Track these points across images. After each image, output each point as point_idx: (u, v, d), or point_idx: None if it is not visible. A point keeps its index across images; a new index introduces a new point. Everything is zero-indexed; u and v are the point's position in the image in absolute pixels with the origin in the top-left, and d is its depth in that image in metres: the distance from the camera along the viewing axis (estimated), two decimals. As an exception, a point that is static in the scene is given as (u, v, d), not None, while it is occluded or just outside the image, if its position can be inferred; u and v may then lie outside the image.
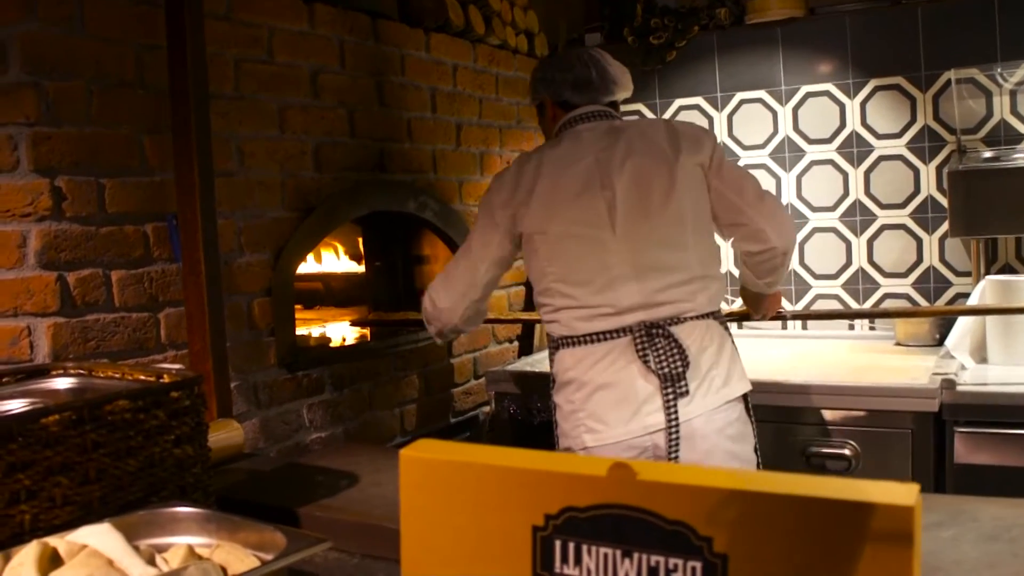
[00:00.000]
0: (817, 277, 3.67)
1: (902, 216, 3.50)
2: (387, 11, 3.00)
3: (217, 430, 1.96)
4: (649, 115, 3.89)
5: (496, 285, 2.42)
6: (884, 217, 3.53)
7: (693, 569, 0.81)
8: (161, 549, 1.19)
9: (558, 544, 0.87)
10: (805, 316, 3.55)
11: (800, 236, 3.67)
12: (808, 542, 0.77)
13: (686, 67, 3.81)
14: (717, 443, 2.13)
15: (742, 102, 3.74)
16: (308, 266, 3.19)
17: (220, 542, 1.21)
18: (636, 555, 0.83)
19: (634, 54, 3.82)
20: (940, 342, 3.15)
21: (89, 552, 1.09)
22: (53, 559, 1.08)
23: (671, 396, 2.09)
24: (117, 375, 1.58)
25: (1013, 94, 3.25)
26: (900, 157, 3.48)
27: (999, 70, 3.23)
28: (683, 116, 3.84)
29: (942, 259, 3.45)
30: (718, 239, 2.32)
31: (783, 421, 2.76)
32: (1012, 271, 3.29)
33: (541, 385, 2.97)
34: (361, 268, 3.42)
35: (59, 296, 2.01)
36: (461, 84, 3.40)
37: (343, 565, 1.38)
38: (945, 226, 3.37)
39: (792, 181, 3.67)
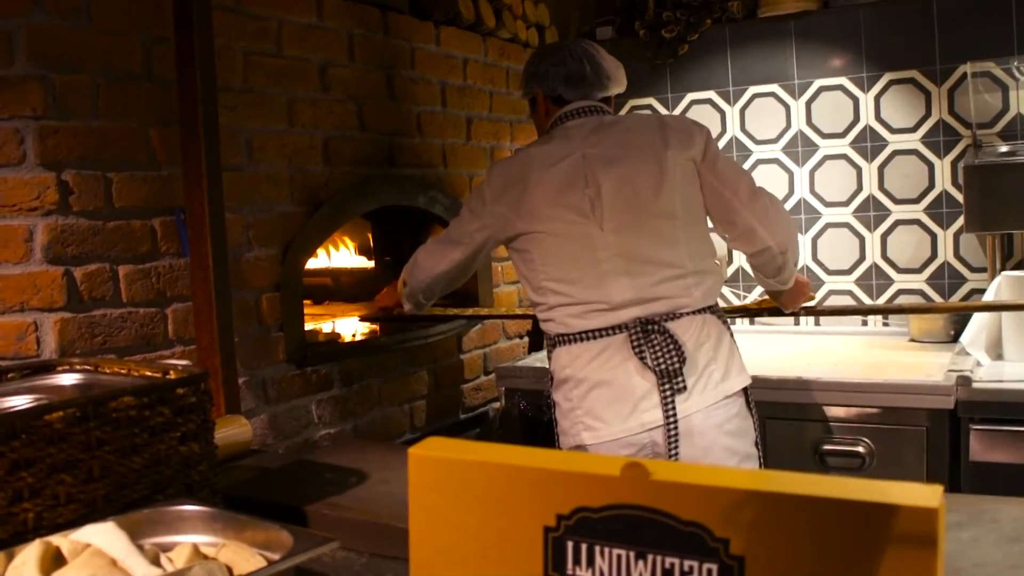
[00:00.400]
0: (830, 273, 3.64)
1: (916, 211, 3.46)
2: (397, 4, 2.98)
3: (225, 426, 1.94)
4: (661, 109, 3.86)
5: (464, 275, 2.44)
6: (898, 212, 3.49)
7: (709, 571, 0.79)
8: (166, 548, 1.17)
9: (570, 545, 0.85)
10: (818, 312, 3.51)
11: (813, 231, 3.64)
12: (828, 545, 0.75)
13: (698, 61, 3.78)
14: (716, 439, 2.12)
15: (755, 96, 3.71)
16: (317, 261, 3.18)
17: (226, 541, 1.19)
18: (650, 557, 0.81)
19: (646, 47, 3.80)
20: (955, 338, 3.12)
21: (92, 551, 1.07)
22: (56, 558, 1.06)
23: (668, 392, 2.08)
24: (123, 371, 1.56)
25: (1030, 87, 3.22)
26: (915, 152, 3.44)
27: (1016, 63, 3.19)
28: (695, 110, 3.81)
29: (957, 254, 3.41)
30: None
31: (795, 418, 2.74)
32: (1028, 267, 3.25)
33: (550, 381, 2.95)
34: (371, 263, 3.40)
35: (66, 291, 2.00)
36: (471, 78, 3.38)
37: (351, 564, 1.36)
38: (960, 221, 3.34)
39: (805, 176, 3.64)
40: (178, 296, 2.24)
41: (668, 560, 0.81)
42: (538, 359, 3.25)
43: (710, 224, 2.28)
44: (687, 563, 0.80)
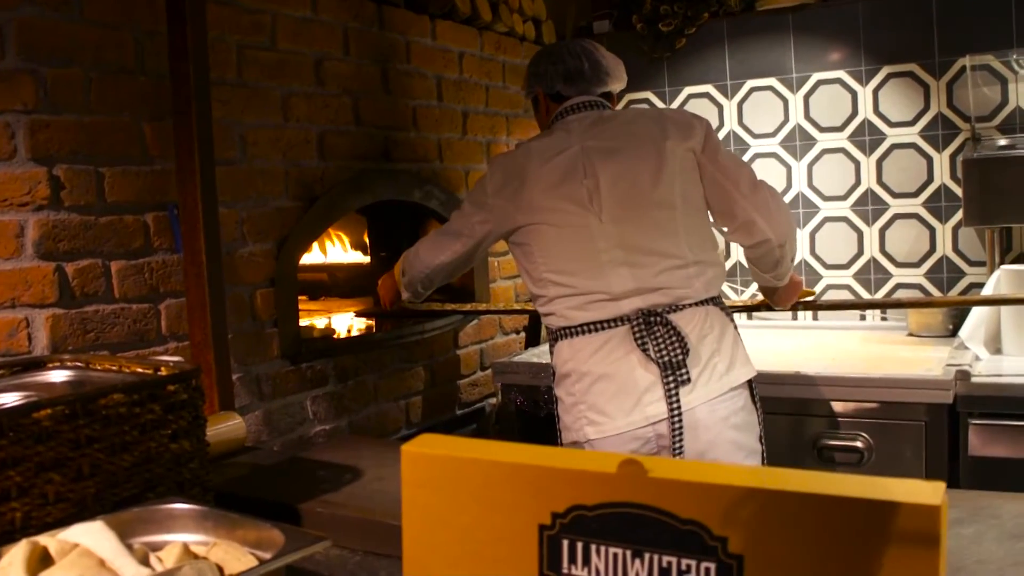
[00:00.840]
0: (828, 267, 3.62)
1: (915, 205, 3.45)
2: (392, -3, 2.96)
3: (218, 423, 1.93)
4: (658, 103, 3.84)
5: (464, 267, 2.46)
6: (896, 206, 3.48)
7: (707, 570, 0.78)
8: (156, 547, 1.16)
9: (565, 544, 0.84)
10: (816, 306, 3.50)
11: (811, 226, 3.62)
12: (828, 543, 0.74)
13: (696, 54, 3.77)
14: (721, 432, 2.10)
15: (752, 90, 3.69)
16: (313, 257, 3.16)
17: (217, 540, 1.17)
18: (647, 555, 0.80)
19: (643, 41, 3.78)
20: (954, 333, 3.10)
21: (80, 551, 1.05)
22: (43, 559, 1.05)
23: (672, 385, 2.06)
24: (115, 367, 1.54)
25: (1029, 80, 3.20)
26: (913, 145, 3.43)
27: (1015, 56, 3.18)
28: (692, 104, 3.79)
29: (955, 249, 3.40)
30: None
31: (794, 413, 2.73)
32: (1027, 261, 3.24)
33: (548, 376, 2.94)
34: (367, 259, 3.39)
35: (57, 287, 1.98)
36: (467, 72, 3.36)
37: (345, 562, 1.34)
38: (958, 215, 3.32)
39: (803, 170, 3.62)
40: (171, 292, 2.23)
41: (665, 559, 0.80)
42: (535, 355, 3.24)
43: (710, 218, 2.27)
44: (684, 562, 0.79)
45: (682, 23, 3.69)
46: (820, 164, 3.59)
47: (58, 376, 1.59)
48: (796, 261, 3.65)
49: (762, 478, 0.78)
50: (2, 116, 1.91)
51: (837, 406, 2.69)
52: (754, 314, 3.62)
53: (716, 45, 3.73)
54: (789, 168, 3.64)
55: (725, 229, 2.30)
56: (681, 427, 2.06)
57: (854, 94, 3.50)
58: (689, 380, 2.07)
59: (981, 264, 3.33)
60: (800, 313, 3.66)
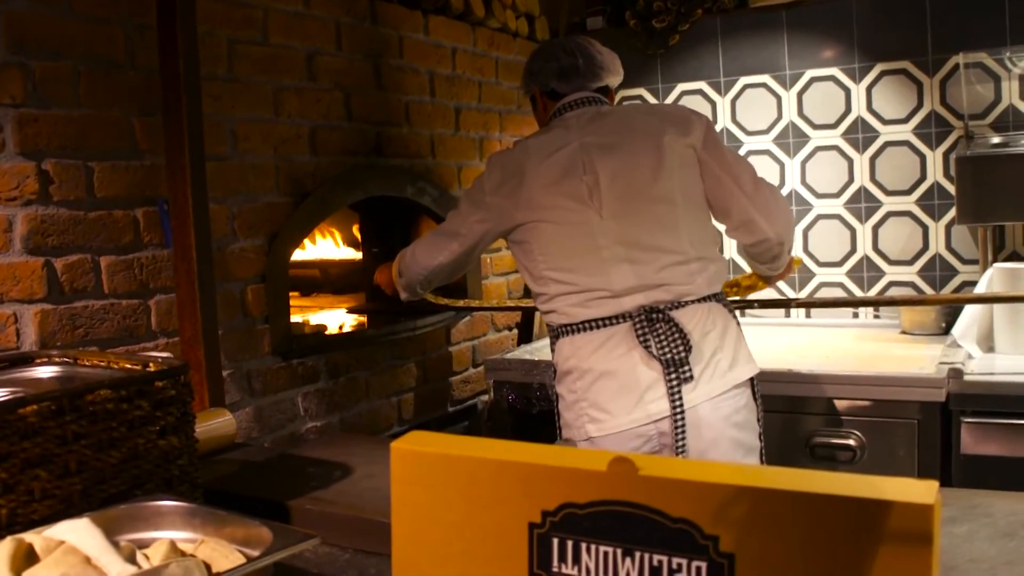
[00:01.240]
0: (821, 265, 3.62)
1: (908, 203, 3.45)
2: (384, -8, 2.95)
3: (208, 419, 1.92)
4: (651, 100, 3.84)
5: (463, 268, 2.44)
6: (890, 204, 3.48)
7: (698, 569, 0.78)
8: (143, 544, 1.15)
9: (556, 542, 0.83)
10: (809, 304, 3.51)
11: (804, 223, 3.62)
12: (820, 542, 0.74)
13: (689, 51, 3.76)
14: (723, 431, 2.09)
15: (746, 87, 3.69)
16: (305, 253, 3.15)
17: (205, 537, 1.16)
18: (638, 554, 0.80)
19: (636, 38, 3.77)
20: (946, 331, 3.10)
21: (66, 549, 1.04)
22: (28, 556, 1.04)
23: (675, 382, 2.04)
24: (103, 363, 1.53)
25: (1022, 79, 3.20)
26: (906, 143, 3.42)
27: (1008, 54, 3.17)
28: (685, 101, 3.78)
29: (948, 246, 3.40)
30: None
31: (787, 411, 2.72)
32: (1020, 259, 3.24)
33: (540, 373, 2.93)
34: (359, 255, 3.38)
35: (46, 282, 1.97)
36: (460, 67, 3.35)
37: (334, 560, 1.34)
38: (952, 213, 3.32)
39: (796, 167, 3.62)
40: (161, 287, 2.21)
41: (656, 557, 0.79)
42: (527, 352, 3.23)
43: None
44: (676, 560, 0.78)
45: (676, 19, 3.68)
46: (813, 161, 3.59)
47: (46, 372, 1.58)
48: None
49: (753, 477, 0.77)
50: (-10, 110, 1.90)
51: (830, 404, 2.69)
52: (747, 311, 3.61)
53: (710, 42, 3.72)
54: (782, 165, 3.63)
55: (727, 228, 2.29)
56: (684, 425, 2.04)
57: (847, 91, 3.50)
58: (692, 378, 2.05)
59: (974, 262, 3.33)
60: (793, 311, 3.66)
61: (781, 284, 3.61)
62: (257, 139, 2.49)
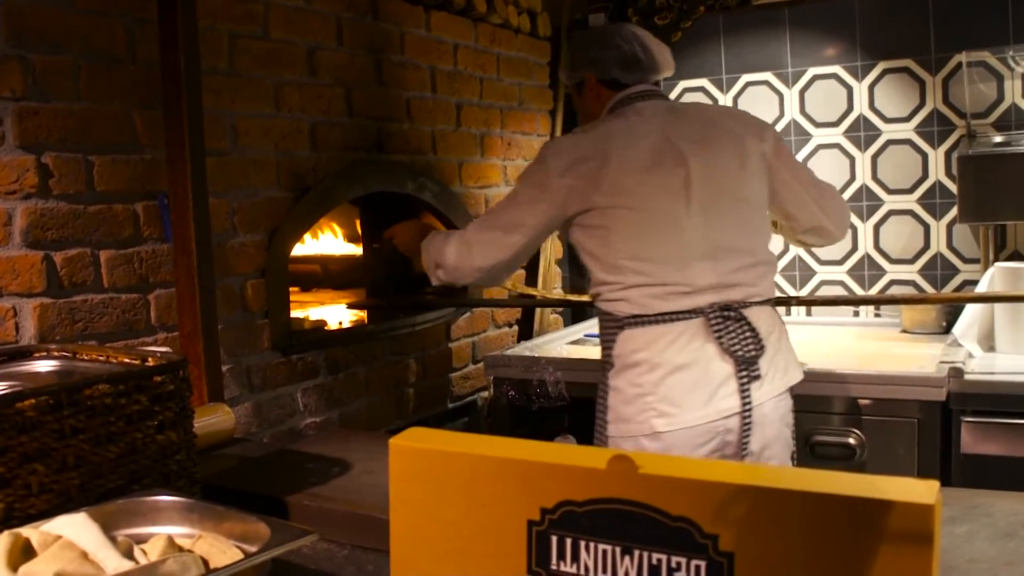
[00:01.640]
0: (822, 263, 3.61)
1: (909, 201, 3.44)
2: (386, -13, 2.94)
3: (206, 414, 1.91)
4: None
5: (520, 264, 2.33)
6: (891, 202, 3.47)
7: (697, 568, 0.77)
8: (141, 539, 1.15)
9: (554, 540, 0.83)
10: (810, 302, 3.51)
11: (805, 221, 3.61)
12: (820, 541, 0.73)
13: (691, 48, 3.75)
14: (780, 430, 2.13)
15: (748, 84, 3.68)
16: (305, 248, 3.14)
17: (203, 533, 1.16)
18: (637, 552, 0.80)
19: (638, 35, 3.76)
20: (947, 330, 3.10)
21: (63, 544, 1.04)
22: (26, 551, 1.03)
23: (745, 380, 2.05)
24: (101, 358, 1.53)
25: (1025, 77, 3.19)
26: (908, 141, 3.42)
27: (1011, 53, 3.17)
28: (687, 98, 3.78)
29: (950, 245, 3.40)
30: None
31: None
32: (1021, 258, 3.24)
33: (540, 370, 2.92)
34: (359, 250, 3.37)
35: (45, 276, 1.96)
36: (462, 63, 3.34)
37: (332, 556, 1.33)
38: (953, 212, 3.32)
39: (798, 165, 3.61)
40: (161, 282, 2.21)
41: (655, 556, 0.79)
42: (527, 348, 3.23)
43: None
44: (675, 559, 0.78)
45: (678, 17, 3.67)
46: (815, 159, 3.58)
47: (44, 366, 1.57)
48: (790, 257, 3.65)
49: (753, 475, 0.77)
50: (-10, 103, 1.89)
51: (830, 403, 2.68)
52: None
53: (712, 39, 3.72)
54: (784, 163, 3.63)
55: (786, 229, 2.33)
56: (751, 423, 2.06)
57: (850, 89, 3.49)
58: (760, 376, 2.07)
59: (975, 261, 3.33)
60: (794, 309, 3.66)
61: (782, 283, 3.62)
62: (257, 134, 2.48)
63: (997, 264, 2.95)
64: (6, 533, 1.04)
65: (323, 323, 2.84)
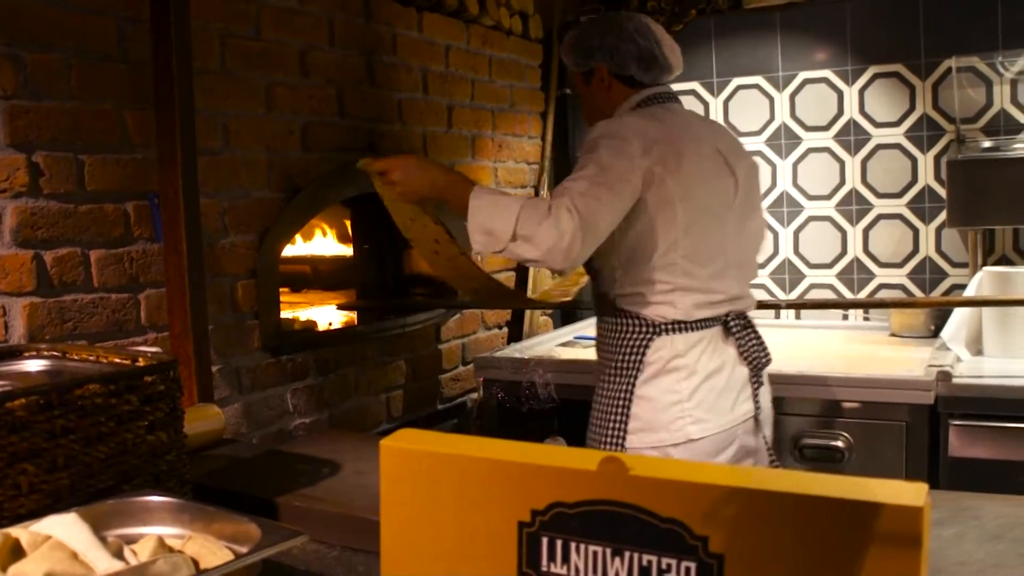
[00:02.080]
0: (811, 266, 3.62)
1: (899, 206, 3.46)
2: (379, -12, 2.94)
3: (196, 415, 1.91)
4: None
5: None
6: (880, 206, 3.49)
7: (687, 569, 0.77)
8: (131, 540, 1.14)
9: (545, 541, 0.83)
10: (799, 305, 3.51)
11: (795, 224, 3.63)
12: (810, 543, 0.73)
13: (682, 51, 3.73)
14: (768, 433, 2.20)
15: (739, 88, 3.69)
16: (296, 249, 3.14)
17: (193, 533, 1.16)
18: (627, 554, 0.80)
19: (630, 37, 3.77)
20: (935, 333, 3.11)
21: (52, 544, 1.03)
22: (15, 551, 1.03)
23: (756, 385, 2.13)
24: (92, 358, 1.52)
25: (1014, 83, 3.21)
26: (898, 146, 3.43)
27: (1000, 59, 3.19)
28: (678, 101, 3.78)
29: (938, 250, 3.41)
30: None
31: (776, 411, 2.70)
32: (1009, 262, 3.25)
33: (530, 371, 2.92)
34: (349, 251, 3.37)
35: (35, 275, 1.95)
36: (453, 65, 3.34)
37: (322, 557, 1.33)
38: (942, 216, 3.33)
39: (788, 169, 3.62)
40: (151, 282, 2.20)
41: (645, 557, 0.79)
42: (517, 350, 3.23)
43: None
44: (665, 561, 0.78)
45: (669, 20, 3.68)
46: (805, 163, 3.59)
47: (34, 365, 1.57)
48: (780, 260, 3.66)
49: (743, 478, 0.77)
50: (-20, 101, 1.89)
51: (818, 405, 2.70)
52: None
53: (703, 42, 3.73)
54: (774, 167, 3.64)
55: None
56: (759, 426, 2.15)
57: (840, 94, 3.51)
58: (763, 383, 2.16)
59: (964, 265, 3.34)
60: (782, 312, 3.67)
61: (772, 286, 3.64)
62: (249, 134, 2.48)
63: (985, 268, 2.97)
64: (-5, 533, 1.04)
65: (313, 324, 2.84)
